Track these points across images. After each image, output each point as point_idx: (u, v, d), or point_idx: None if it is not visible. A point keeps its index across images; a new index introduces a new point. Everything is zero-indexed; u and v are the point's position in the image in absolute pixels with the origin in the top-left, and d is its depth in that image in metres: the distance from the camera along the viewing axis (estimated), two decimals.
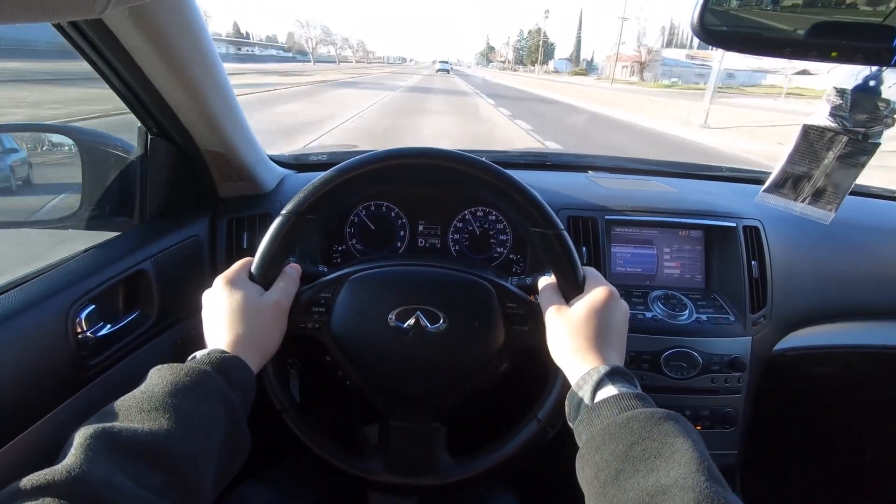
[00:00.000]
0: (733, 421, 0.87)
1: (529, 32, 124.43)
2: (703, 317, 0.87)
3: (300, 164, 1.14)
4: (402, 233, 0.98)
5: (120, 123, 0.73)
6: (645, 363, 0.84)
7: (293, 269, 0.62)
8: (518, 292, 0.63)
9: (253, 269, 0.59)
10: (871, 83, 0.51)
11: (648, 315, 0.87)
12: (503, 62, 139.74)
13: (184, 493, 0.38)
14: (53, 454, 0.36)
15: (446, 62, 63.95)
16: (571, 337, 0.54)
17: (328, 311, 0.61)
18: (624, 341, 0.56)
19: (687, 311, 0.87)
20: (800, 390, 1.11)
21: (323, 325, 0.61)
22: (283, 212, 0.59)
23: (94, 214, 0.78)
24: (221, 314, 0.54)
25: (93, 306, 0.61)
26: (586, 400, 0.48)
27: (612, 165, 1.27)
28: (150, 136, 0.74)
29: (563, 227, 0.60)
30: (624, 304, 0.57)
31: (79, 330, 0.59)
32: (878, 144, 0.53)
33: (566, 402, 0.52)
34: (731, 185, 1.19)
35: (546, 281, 0.62)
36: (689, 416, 0.86)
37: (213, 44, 0.66)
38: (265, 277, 0.59)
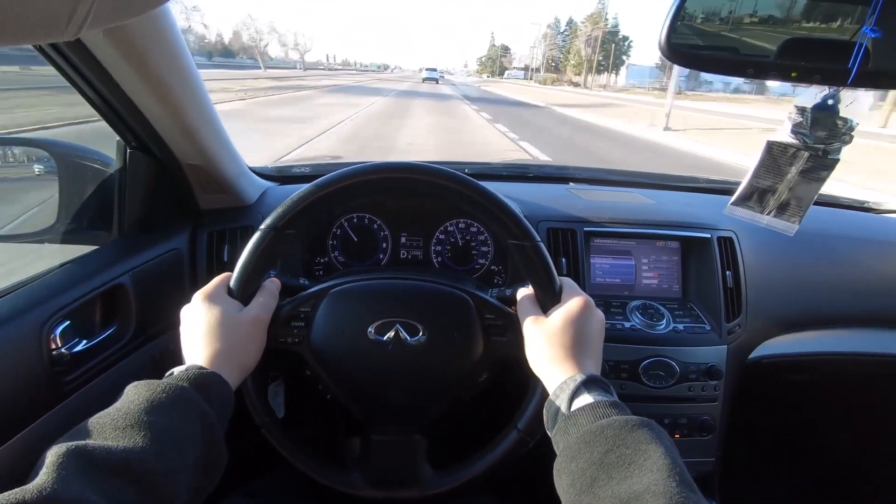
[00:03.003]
0: (711, 428, 0.89)
1: (574, 23, 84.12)
2: (680, 326, 0.89)
3: (283, 176, 1.14)
4: (384, 244, 0.99)
5: (99, 130, 0.73)
6: (624, 372, 0.85)
7: (272, 284, 0.63)
8: (496, 303, 0.64)
9: (231, 283, 0.59)
10: (830, 102, 0.54)
11: (627, 325, 0.88)
12: (525, 69, 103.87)
13: None
14: (26, 473, 0.36)
15: (434, 70, 52.46)
16: (548, 346, 0.55)
17: (308, 325, 0.62)
18: (600, 350, 0.57)
19: (664, 321, 0.89)
20: (776, 397, 1.13)
21: (303, 340, 0.62)
22: (262, 227, 0.60)
23: (71, 228, 0.77)
24: (199, 330, 0.54)
25: (67, 322, 0.61)
26: (563, 409, 0.49)
27: (592, 177, 1.29)
28: (128, 150, 0.73)
29: (539, 239, 0.61)
30: (599, 314, 0.58)
31: (53, 346, 0.58)
32: (838, 160, 0.55)
33: (544, 411, 0.53)
34: (707, 196, 1.22)
35: (524, 292, 0.63)
36: (668, 425, 0.88)
37: (190, 57, 0.66)
38: (244, 292, 0.59)
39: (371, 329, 0.61)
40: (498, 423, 0.65)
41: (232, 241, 0.88)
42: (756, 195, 0.60)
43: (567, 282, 0.62)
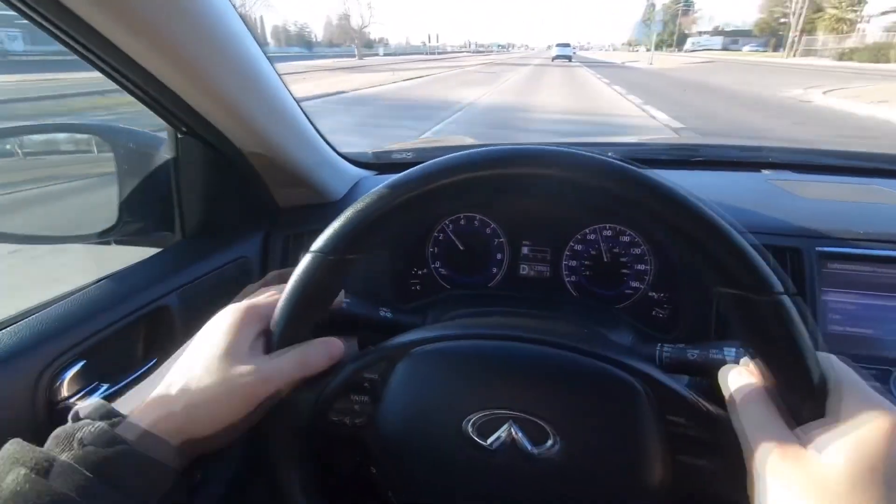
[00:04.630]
0: None
1: None
2: None
3: (381, 163, 0.95)
4: (499, 255, 0.74)
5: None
6: None
7: (324, 346, 0.41)
8: (692, 398, 0.36)
9: (271, 324, 0.40)
10: None
11: None
12: (772, 35, 59.17)
13: None
14: None
15: (567, 46, 42.80)
16: None
17: (375, 400, 0.40)
18: None
19: None
20: None
21: (368, 422, 0.40)
22: (312, 249, 0.39)
23: (133, 228, 0.65)
24: (199, 349, 0.37)
25: (82, 363, 0.47)
26: None
27: (799, 161, 0.90)
28: (178, 135, 0.58)
29: (787, 290, 0.32)
30: None
31: (59, 396, 0.45)
32: None
33: None
34: None
35: (741, 375, 0.35)
36: None
37: (239, 38, 0.48)
38: (281, 336, 0.39)
39: (469, 423, 0.37)
40: None
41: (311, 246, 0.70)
42: None
43: (840, 367, 0.32)
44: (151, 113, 0.54)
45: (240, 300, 0.43)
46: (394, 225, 0.38)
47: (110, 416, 0.33)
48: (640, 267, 0.68)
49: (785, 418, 0.31)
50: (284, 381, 0.38)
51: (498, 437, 0.36)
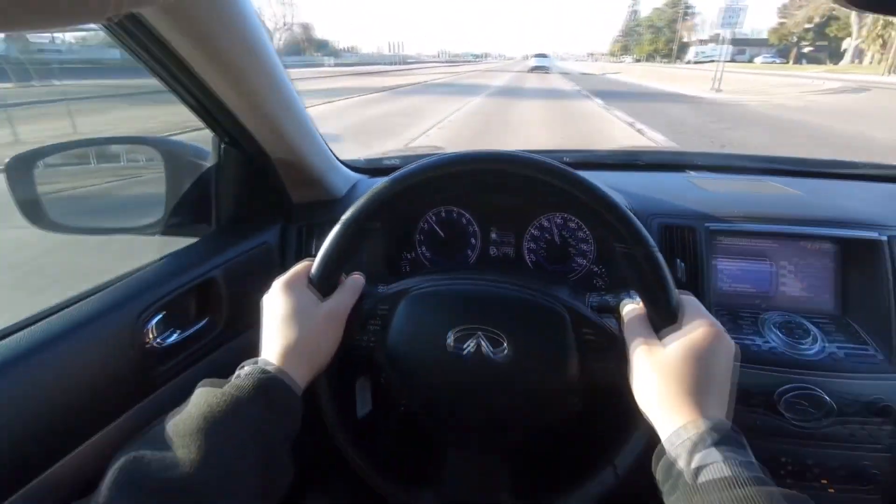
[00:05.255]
0: (873, 479, 0.70)
1: None
2: (837, 349, 0.71)
3: (373, 168, 1.12)
4: (473, 241, 0.92)
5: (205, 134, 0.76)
6: (756, 401, 0.70)
7: (355, 280, 0.59)
8: (596, 319, 0.54)
9: (311, 274, 0.57)
10: None
11: (763, 344, 0.72)
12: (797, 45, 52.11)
13: None
14: None
15: (546, 56, 41.94)
16: (662, 381, 0.44)
17: (385, 327, 0.57)
18: (727, 389, 0.45)
19: (815, 342, 0.72)
20: None
21: (378, 342, 0.57)
22: (343, 219, 0.56)
23: (175, 222, 0.81)
24: (276, 319, 0.52)
25: (162, 314, 0.63)
26: (683, 469, 0.39)
27: (716, 164, 1.11)
28: (222, 145, 0.75)
29: (653, 245, 0.50)
30: (730, 344, 0.46)
31: (147, 339, 0.60)
32: None
33: (655, 461, 0.43)
34: (873, 185, 0.98)
35: (632, 308, 0.53)
36: (814, 468, 0.71)
37: (274, 54, 0.65)
38: (323, 285, 0.56)
39: (450, 337, 0.54)
40: (592, 457, 0.55)
41: (320, 234, 0.87)
42: None
43: (689, 300, 0.51)
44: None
45: (289, 275, 0.58)
46: (398, 203, 0.56)
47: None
48: (584, 247, 0.87)
49: (652, 329, 0.50)
50: (347, 305, 0.56)
51: (469, 346, 0.54)
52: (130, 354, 0.58)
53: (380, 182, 0.56)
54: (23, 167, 0.73)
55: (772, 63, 52.99)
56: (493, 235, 0.92)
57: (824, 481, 0.72)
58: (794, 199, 0.87)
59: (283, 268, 0.85)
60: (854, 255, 0.77)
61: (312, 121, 0.80)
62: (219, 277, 0.71)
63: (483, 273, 0.61)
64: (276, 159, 0.78)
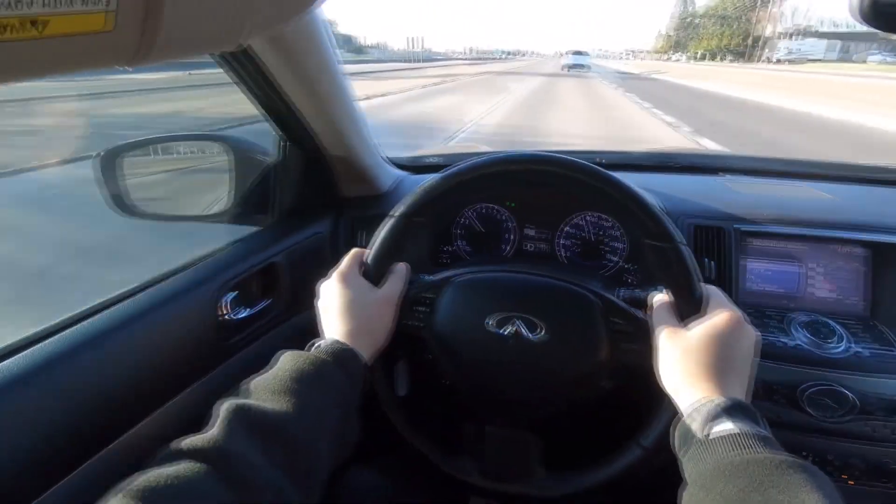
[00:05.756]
0: (894, 475, 0.73)
1: None
2: (863, 349, 0.73)
3: (416, 165, 1.19)
4: (509, 236, 0.97)
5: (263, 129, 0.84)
6: (779, 396, 0.73)
7: (402, 268, 0.66)
8: (625, 307, 0.59)
9: (365, 264, 0.64)
10: None
11: (789, 342, 0.75)
12: None
13: (304, 474, 0.42)
14: (193, 422, 0.42)
15: (583, 54, 35.93)
16: (685, 362, 0.49)
17: (432, 310, 0.64)
18: (747, 373, 0.49)
19: (840, 342, 0.74)
20: None
21: (426, 324, 0.64)
22: (394, 213, 0.63)
23: (239, 212, 0.89)
24: (336, 306, 0.58)
25: (235, 293, 0.71)
26: (697, 432, 0.44)
27: (751, 167, 1.13)
28: (284, 144, 0.83)
29: (681, 240, 0.55)
30: (752, 332, 0.51)
31: (222, 313, 0.69)
32: None
33: (674, 430, 0.48)
34: None
35: (660, 298, 0.57)
36: (835, 465, 0.74)
37: (336, 55, 0.72)
38: (375, 274, 0.63)
39: (490, 321, 0.60)
40: (619, 434, 0.60)
41: (368, 226, 0.94)
42: None
43: (713, 290, 0.55)
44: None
45: (344, 266, 0.65)
46: (444, 200, 0.62)
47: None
48: (617, 245, 0.91)
49: (677, 317, 0.54)
50: (399, 292, 0.62)
51: (508, 329, 0.60)
52: (209, 326, 0.66)
53: (430, 178, 0.62)
54: (108, 162, 0.83)
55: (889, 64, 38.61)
56: (530, 231, 0.97)
57: (844, 476, 0.74)
58: (826, 203, 0.89)
59: (335, 256, 0.94)
60: (886, 260, 0.79)
61: (365, 120, 0.87)
62: (280, 262, 0.79)
63: (519, 265, 0.66)
64: (332, 156, 0.86)
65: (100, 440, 0.53)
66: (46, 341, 0.51)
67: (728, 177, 1.08)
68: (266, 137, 0.87)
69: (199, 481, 0.35)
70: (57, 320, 0.55)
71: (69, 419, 0.50)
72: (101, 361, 0.54)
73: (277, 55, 0.63)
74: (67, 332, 0.53)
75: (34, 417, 0.47)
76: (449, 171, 0.62)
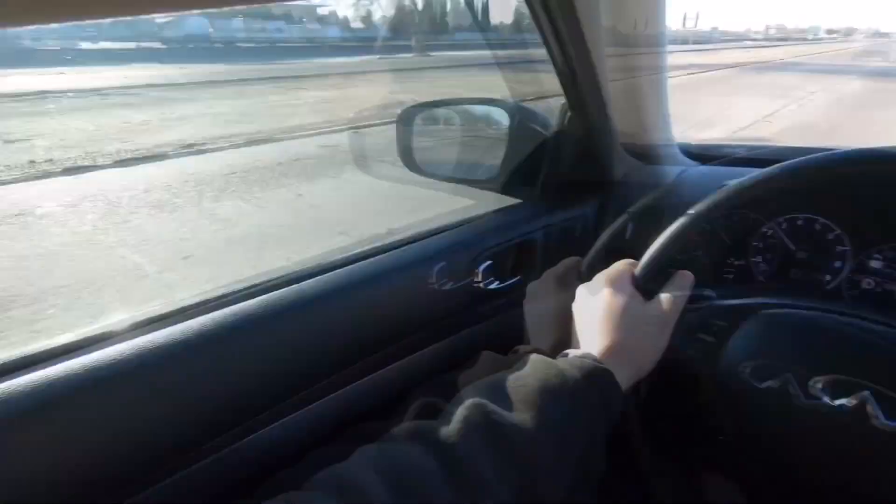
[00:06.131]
0: None
1: None
2: None
3: (706, 155, 0.98)
4: (838, 263, 0.71)
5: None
6: None
7: (685, 279, 0.53)
8: None
9: (637, 271, 0.53)
10: None
11: None
12: None
13: (531, 495, 0.37)
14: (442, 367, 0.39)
15: None
16: None
17: (720, 343, 0.49)
18: None
19: None
20: None
21: (708, 360, 0.50)
22: (691, 212, 0.50)
23: (508, 181, 0.88)
24: (598, 315, 0.50)
25: (490, 262, 0.69)
26: None
27: None
28: (568, 113, 0.76)
29: None
30: None
31: (477, 279, 0.68)
32: None
33: None
34: None
35: None
36: None
37: (664, 26, 0.61)
38: (650, 284, 0.52)
39: (818, 384, 0.43)
40: None
41: (640, 219, 0.82)
42: None
43: None
44: None
45: (560, 269, 0.59)
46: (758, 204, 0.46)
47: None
48: None
49: None
50: (678, 309, 0.50)
51: (848, 402, 0.41)
52: (463, 289, 0.66)
53: (761, 171, 0.47)
54: (406, 119, 0.91)
55: None
56: (874, 263, 0.69)
57: None
58: None
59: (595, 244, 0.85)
60: None
61: (668, 95, 0.74)
62: (538, 240, 0.75)
63: (859, 309, 0.45)
64: (617, 132, 0.76)
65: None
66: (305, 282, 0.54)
67: None
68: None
69: (429, 476, 0.34)
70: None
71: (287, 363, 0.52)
72: (349, 308, 0.56)
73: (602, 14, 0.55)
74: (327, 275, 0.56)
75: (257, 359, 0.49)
76: (780, 168, 0.45)
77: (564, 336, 0.52)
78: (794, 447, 0.44)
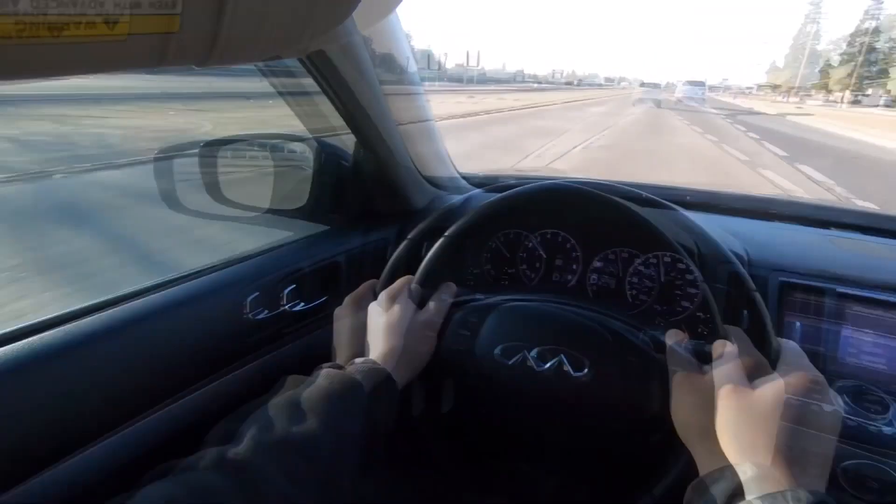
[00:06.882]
0: None
1: None
2: None
3: (486, 183, 1.18)
4: (575, 266, 0.93)
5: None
6: None
7: (448, 289, 0.65)
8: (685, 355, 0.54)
9: (412, 286, 0.64)
10: None
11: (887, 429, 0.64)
12: None
13: (323, 489, 0.43)
14: (250, 393, 0.44)
15: (700, 84, 31.44)
16: (744, 425, 0.43)
17: (474, 335, 0.62)
18: (820, 452, 0.41)
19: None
20: None
21: (468, 349, 0.63)
22: (447, 234, 0.63)
23: (315, 209, 0.94)
24: (381, 326, 0.60)
25: (294, 286, 0.74)
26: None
27: (868, 224, 0.99)
28: (360, 150, 0.86)
29: (753, 287, 0.49)
30: (835, 401, 0.43)
31: (282, 302, 0.72)
32: None
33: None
34: None
35: (725, 349, 0.51)
36: None
37: (416, 79, 0.74)
38: (421, 295, 0.63)
39: (533, 352, 0.58)
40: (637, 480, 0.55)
41: (431, 239, 0.95)
42: None
43: (790, 346, 0.49)
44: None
45: (360, 291, 0.68)
46: (502, 222, 0.61)
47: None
48: (691, 290, 0.84)
49: (742, 371, 0.48)
50: (442, 315, 0.62)
51: (551, 364, 0.57)
52: (273, 314, 0.70)
53: (493, 198, 0.62)
54: (208, 154, 0.91)
55: None
56: (597, 264, 0.92)
57: None
58: None
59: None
60: None
61: (438, 134, 0.89)
62: (342, 262, 0.82)
63: (579, 300, 0.63)
64: (402, 166, 0.88)
65: (132, 411, 0.54)
66: (92, 316, 0.53)
67: (836, 232, 0.95)
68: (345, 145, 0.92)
69: (226, 499, 0.37)
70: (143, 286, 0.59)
71: (115, 387, 0.51)
72: (152, 336, 0.57)
73: (352, 64, 0.66)
74: (138, 301, 0.58)
75: (54, 393, 0.47)
76: (511, 193, 0.61)
77: (360, 349, 0.60)
78: (524, 404, 0.59)
